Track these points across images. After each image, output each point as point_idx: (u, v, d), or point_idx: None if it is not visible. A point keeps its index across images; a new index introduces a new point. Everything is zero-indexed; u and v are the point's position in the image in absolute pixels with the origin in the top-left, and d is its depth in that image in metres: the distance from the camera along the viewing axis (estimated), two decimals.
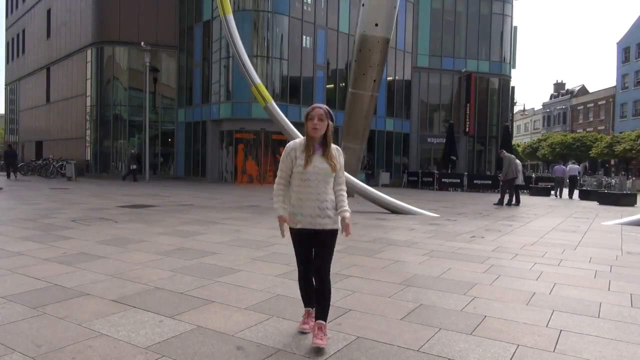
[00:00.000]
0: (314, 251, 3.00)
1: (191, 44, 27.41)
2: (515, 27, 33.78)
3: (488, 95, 32.83)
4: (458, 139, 29.76)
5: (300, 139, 3.02)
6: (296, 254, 3.07)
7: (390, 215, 10.49)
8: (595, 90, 60.07)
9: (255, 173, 24.24)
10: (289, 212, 2.96)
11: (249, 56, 13.01)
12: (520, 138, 73.17)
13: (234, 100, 24.14)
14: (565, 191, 22.07)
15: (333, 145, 2.99)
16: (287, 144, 2.99)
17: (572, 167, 22.94)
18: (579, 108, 60.47)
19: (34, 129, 37.59)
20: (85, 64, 28.71)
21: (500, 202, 14.78)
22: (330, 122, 2.92)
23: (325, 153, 2.91)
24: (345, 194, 3.00)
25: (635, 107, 48.69)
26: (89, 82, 28.48)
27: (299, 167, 2.88)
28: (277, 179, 3.00)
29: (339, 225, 2.96)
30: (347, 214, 2.91)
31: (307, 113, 2.91)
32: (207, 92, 25.97)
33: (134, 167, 23.32)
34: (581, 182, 24.34)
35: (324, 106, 2.93)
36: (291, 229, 2.99)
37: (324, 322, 2.93)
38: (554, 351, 2.96)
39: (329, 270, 3.00)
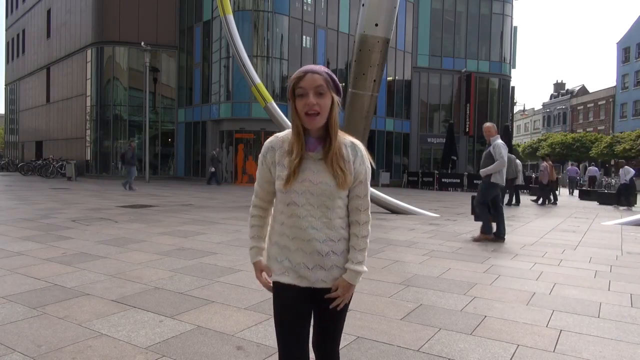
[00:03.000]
0: (315, 324, 1.81)
1: (191, 44, 27.41)
2: (515, 27, 33.80)
3: (488, 95, 32.83)
4: (458, 139, 29.76)
5: (284, 132, 1.75)
6: (279, 329, 1.73)
7: (390, 215, 10.49)
8: (595, 90, 60.12)
9: (255, 173, 24.24)
10: (270, 254, 1.77)
11: (249, 56, 13.02)
12: (520, 138, 73.17)
13: (234, 100, 24.14)
14: (576, 192, 23.34)
15: (346, 139, 1.71)
16: (265, 143, 1.77)
17: (591, 169, 25.23)
18: (579, 108, 60.48)
19: (34, 129, 37.59)
20: (85, 64, 28.71)
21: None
22: (335, 96, 1.65)
23: (328, 153, 1.65)
24: (365, 231, 1.72)
25: (635, 107, 48.69)
26: (89, 82, 28.49)
27: (279, 181, 1.67)
28: (252, 200, 1.82)
29: (357, 281, 1.72)
30: (357, 268, 1.69)
31: (294, 83, 1.64)
32: (207, 92, 25.97)
33: (212, 169, 21.96)
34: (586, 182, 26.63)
35: (323, 69, 1.66)
36: (273, 283, 1.75)
37: None
38: (554, 351, 2.96)
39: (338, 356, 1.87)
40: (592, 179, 26.38)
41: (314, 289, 1.71)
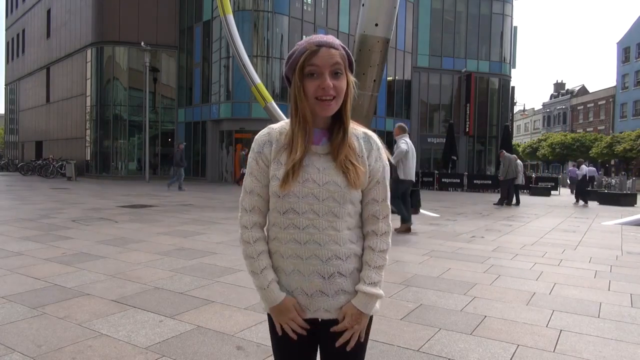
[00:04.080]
0: None
1: (191, 44, 27.40)
2: (515, 27, 33.82)
3: (488, 95, 32.84)
4: (458, 139, 29.77)
5: (279, 123, 1.41)
6: None
7: (390, 215, 10.48)
8: (595, 90, 60.15)
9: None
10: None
11: (249, 56, 13.02)
12: (520, 138, 73.19)
13: (234, 100, 24.14)
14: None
15: (357, 129, 1.40)
16: (257, 136, 1.41)
17: (590, 169, 27.79)
18: (579, 108, 60.51)
19: (34, 129, 37.58)
20: (85, 64, 28.70)
21: (500, 202, 14.79)
22: (352, 77, 1.34)
23: (338, 146, 1.33)
24: (384, 244, 1.39)
25: (635, 107, 48.71)
26: (88, 82, 28.48)
27: (274, 182, 1.34)
28: (241, 215, 1.42)
29: (371, 308, 1.39)
30: (371, 290, 1.35)
31: (304, 57, 1.28)
32: (207, 92, 25.97)
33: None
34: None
35: (338, 41, 1.33)
36: (269, 315, 1.44)
37: None
38: (554, 351, 2.96)
39: None
40: (590, 179, 27.87)
41: (320, 322, 1.39)
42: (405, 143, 7.84)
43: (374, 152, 1.38)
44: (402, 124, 8.36)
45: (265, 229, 1.43)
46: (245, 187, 1.41)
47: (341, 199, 1.32)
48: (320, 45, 1.29)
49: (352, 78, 1.34)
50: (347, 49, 1.34)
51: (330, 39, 1.31)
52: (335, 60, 1.28)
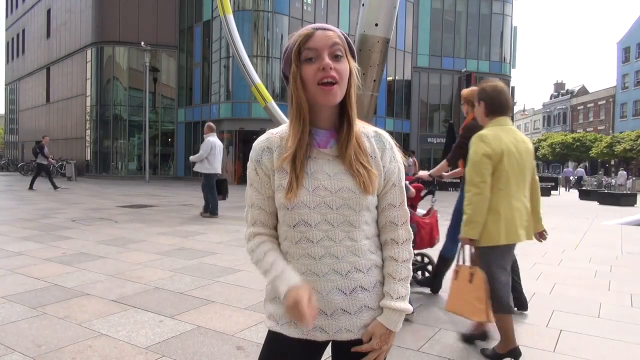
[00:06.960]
0: None
1: (191, 44, 27.41)
2: (515, 27, 33.83)
3: None
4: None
5: (280, 127, 1.28)
6: None
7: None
8: (595, 90, 60.15)
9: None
10: (270, 296, 1.30)
11: (249, 56, 13.02)
12: None
13: (234, 100, 24.14)
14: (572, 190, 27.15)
15: (366, 128, 1.29)
16: (256, 142, 1.26)
17: (579, 170, 30.82)
18: (579, 108, 60.50)
19: (34, 129, 37.56)
20: (85, 64, 28.70)
21: None
22: (355, 64, 1.23)
23: (346, 146, 1.20)
24: (406, 253, 1.27)
25: (635, 107, 48.71)
26: (88, 82, 28.48)
27: (280, 192, 1.20)
28: (246, 228, 1.31)
29: (399, 325, 1.25)
30: (399, 305, 1.22)
31: (299, 42, 1.17)
32: (207, 92, 25.98)
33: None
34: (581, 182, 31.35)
35: (333, 27, 1.21)
36: (273, 336, 1.27)
37: None
38: (554, 351, 2.96)
39: None
40: (579, 179, 31.36)
41: (335, 342, 1.26)
42: (208, 143, 8.80)
43: (387, 151, 1.26)
44: (211, 124, 9.22)
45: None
46: (247, 199, 1.29)
47: (357, 206, 1.19)
48: (316, 29, 1.18)
49: (354, 64, 1.21)
50: (345, 35, 1.22)
51: (326, 25, 1.22)
52: (333, 41, 1.16)
